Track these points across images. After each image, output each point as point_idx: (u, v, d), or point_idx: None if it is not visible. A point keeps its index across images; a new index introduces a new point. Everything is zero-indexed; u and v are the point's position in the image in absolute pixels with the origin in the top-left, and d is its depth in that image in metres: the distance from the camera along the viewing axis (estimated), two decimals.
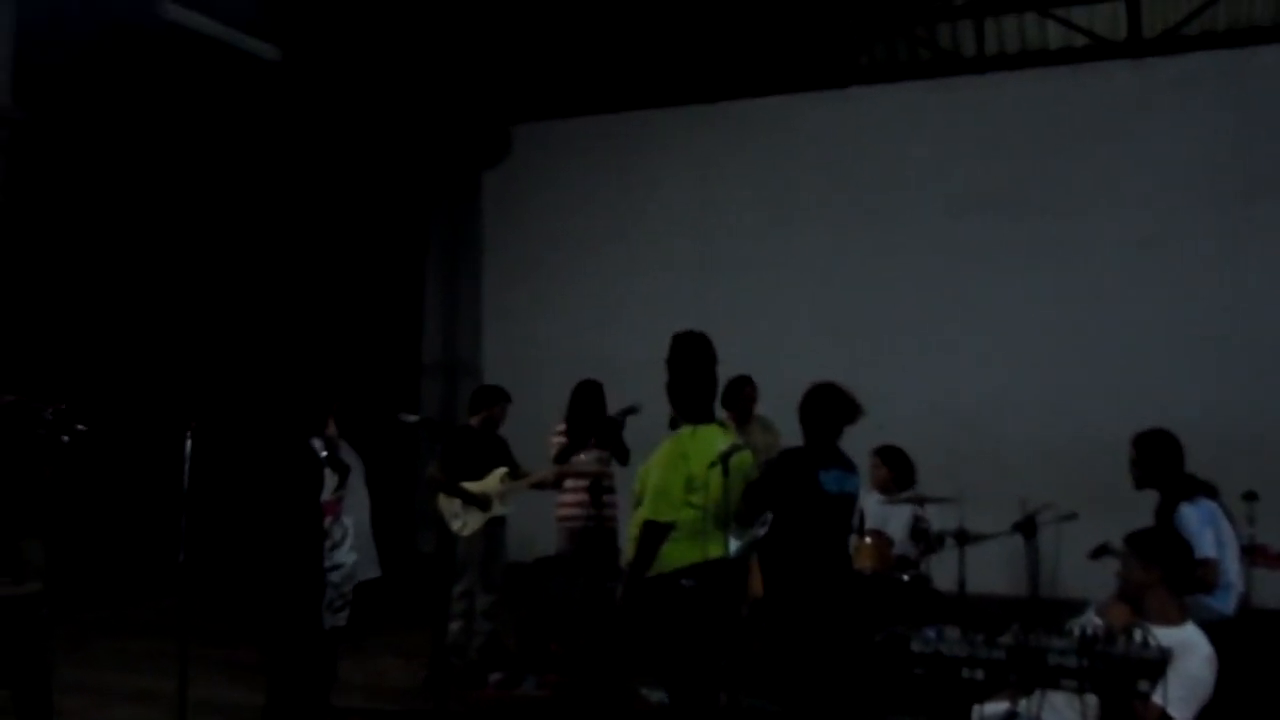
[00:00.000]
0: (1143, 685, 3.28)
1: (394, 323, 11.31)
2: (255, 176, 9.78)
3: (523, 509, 7.35)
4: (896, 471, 7.07)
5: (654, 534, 4.63)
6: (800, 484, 5.03)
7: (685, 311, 10.15)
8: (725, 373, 7.99)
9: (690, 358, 4.93)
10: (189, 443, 5.05)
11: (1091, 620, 4.05)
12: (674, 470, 4.67)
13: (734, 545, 5.30)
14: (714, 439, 4.78)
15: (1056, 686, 3.38)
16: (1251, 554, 6.32)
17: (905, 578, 6.70)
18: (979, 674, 3.42)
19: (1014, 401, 9.06)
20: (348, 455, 6.44)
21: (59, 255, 8.43)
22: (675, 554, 4.66)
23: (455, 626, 6.99)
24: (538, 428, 7.49)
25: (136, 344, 8.91)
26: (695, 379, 4.88)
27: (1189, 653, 3.85)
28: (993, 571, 7.02)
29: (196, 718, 5.04)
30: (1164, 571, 4.07)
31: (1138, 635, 3.36)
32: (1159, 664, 3.30)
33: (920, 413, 8.58)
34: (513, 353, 10.85)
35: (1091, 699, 3.57)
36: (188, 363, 8.85)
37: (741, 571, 5.26)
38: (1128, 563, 4.17)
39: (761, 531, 5.02)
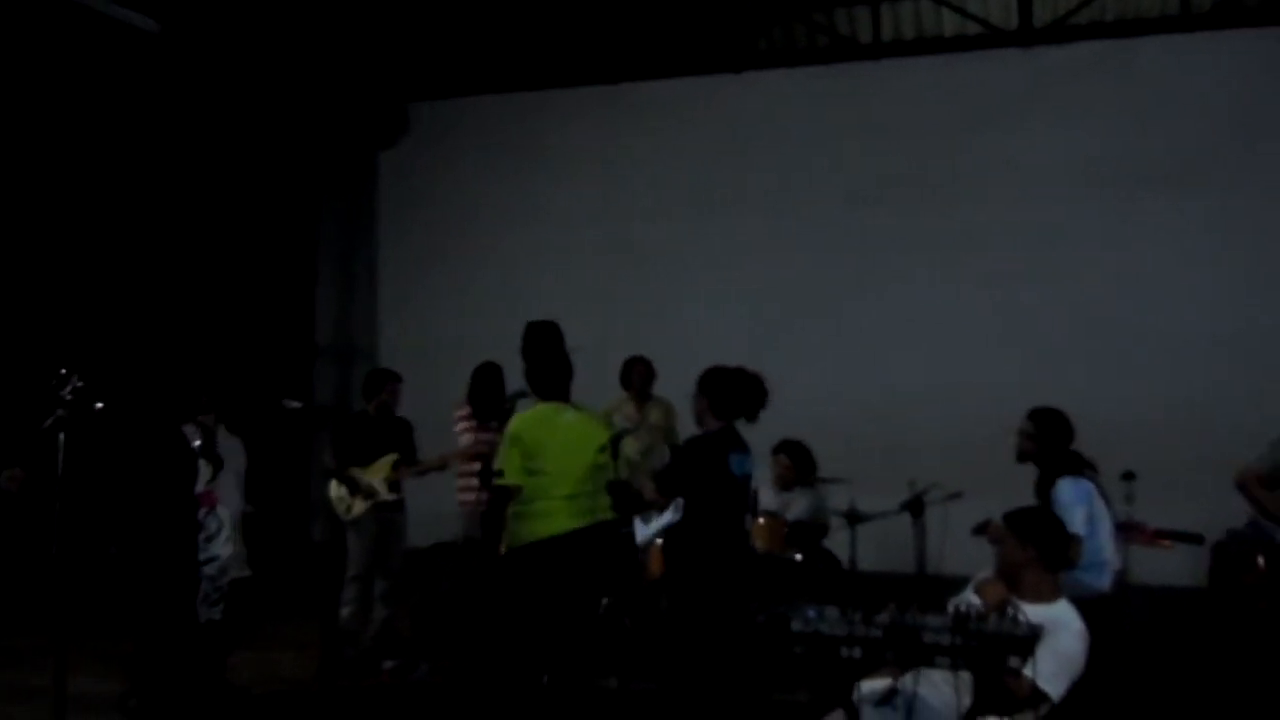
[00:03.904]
0: (1013, 661, 3.34)
1: (285, 306, 11.03)
2: (136, 154, 9.43)
3: (424, 493, 7.26)
4: (798, 467, 7.18)
5: (498, 497, 5.13)
6: (713, 468, 5.17)
7: (587, 295, 10.16)
8: (626, 355, 8.10)
9: (539, 343, 5.43)
10: (61, 431, 4.87)
11: (968, 598, 4.13)
12: (509, 446, 5.15)
13: (644, 530, 5.37)
14: (553, 414, 5.19)
15: (931, 664, 3.42)
16: (1128, 532, 6.51)
17: (798, 557, 6.79)
18: (857, 652, 3.45)
19: (907, 385, 9.19)
20: (229, 447, 6.27)
21: None
22: (525, 530, 5.07)
23: (346, 612, 6.88)
24: (437, 411, 7.38)
25: (6, 326, 8.54)
26: (544, 362, 5.29)
27: (1061, 629, 3.94)
28: (883, 549, 7.13)
29: (75, 712, 4.89)
30: (1039, 550, 4.16)
31: (1009, 612, 3.42)
32: (1028, 640, 3.37)
33: (816, 396, 8.64)
34: (410, 336, 10.69)
35: (966, 675, 3.63)
36: (62, 347, 8.51)
37: (627, 550, 5.37)
38: (1005, 541, 4.25)
39: (676, 517, 5.11)
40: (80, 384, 4.53)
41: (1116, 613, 5.64)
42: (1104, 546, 5.64)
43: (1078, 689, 4.01)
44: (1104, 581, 5.59)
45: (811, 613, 3.55)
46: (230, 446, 6.28)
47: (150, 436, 4.78)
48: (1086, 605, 4.49)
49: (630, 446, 6.95)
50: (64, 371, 4.57)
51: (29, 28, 7.97)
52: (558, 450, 5.09)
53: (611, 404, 7.75)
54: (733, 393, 5.22)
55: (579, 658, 5.13)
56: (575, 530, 5.05)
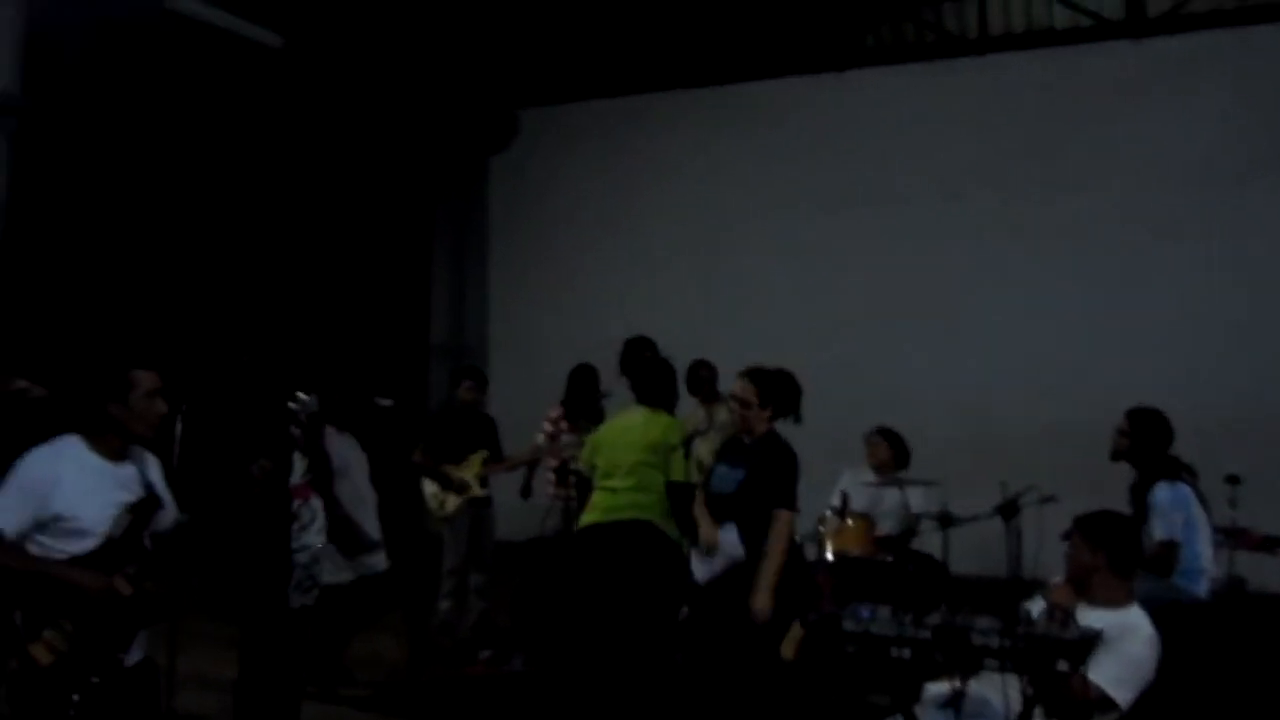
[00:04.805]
0: (1061, 665, 3.31)
1: (402, 306, 11.40)
2: (261, 165, 9.89)
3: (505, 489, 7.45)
4: (897, 451, 7.14)
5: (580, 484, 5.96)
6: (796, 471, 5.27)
7: (689, 296, 10.26)
8: (723, 357, 8.11)
9: (633, 357, 6.12)
10: (180, 424, 5.17)
11: (1039, 602, 4.08)
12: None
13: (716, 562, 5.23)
14: (625, 414, 5.76)
15: (980, 666, 3.42)
16: (1234, 538, 6.30)
17: (890, 559, 6.74)
18: (906, 653, 3.46)
19: (1003, 385, 9.03)
20: (344, 444, 6.51)
21: (64, 244, 8.59)
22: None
23: (444, 605, 7.12)
24: (541, 409, 7.57)
25: (140, 331, 9.04)
26: (638, 372, 5.83)
27: (1130, 634, 3.87)
28: (977, 553, 7.03)
29: (185, 689, 5.21)
30: (1109, 555, 4.08)
31: (1057, 615, 3.38)
32: (1079, 645, 3.33)
33: (910, 395, 8.60)
34: (518, 336, 10.96)
35: (1021, 678, 3.60)
36: (187, 348, 8.97)
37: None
38: (1075, 545, 4.19)
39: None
40: (316, 408, 4.84)
41: (1214, 620, 5.47)
42: (1202, 553, 5.49)
43: (1156, 696, 3.94)
44: (1201, 588, 5.45)
45: (864, 613, 3.58)
46: (345, 443, 6.52)
47: (250, 428, 5.05)
48: (1183, 612, 4.38)
49: (702, 448, 6.99)
50: (302, 395, 4.85)
51: (160, 46, 8.44)
52: (608, 447, 5.58)
53: (687, 415, 7.79)
54: (792, 395, 5.24)
55: (654, 653, 5.20)
56: (600, 524, 5.39)
